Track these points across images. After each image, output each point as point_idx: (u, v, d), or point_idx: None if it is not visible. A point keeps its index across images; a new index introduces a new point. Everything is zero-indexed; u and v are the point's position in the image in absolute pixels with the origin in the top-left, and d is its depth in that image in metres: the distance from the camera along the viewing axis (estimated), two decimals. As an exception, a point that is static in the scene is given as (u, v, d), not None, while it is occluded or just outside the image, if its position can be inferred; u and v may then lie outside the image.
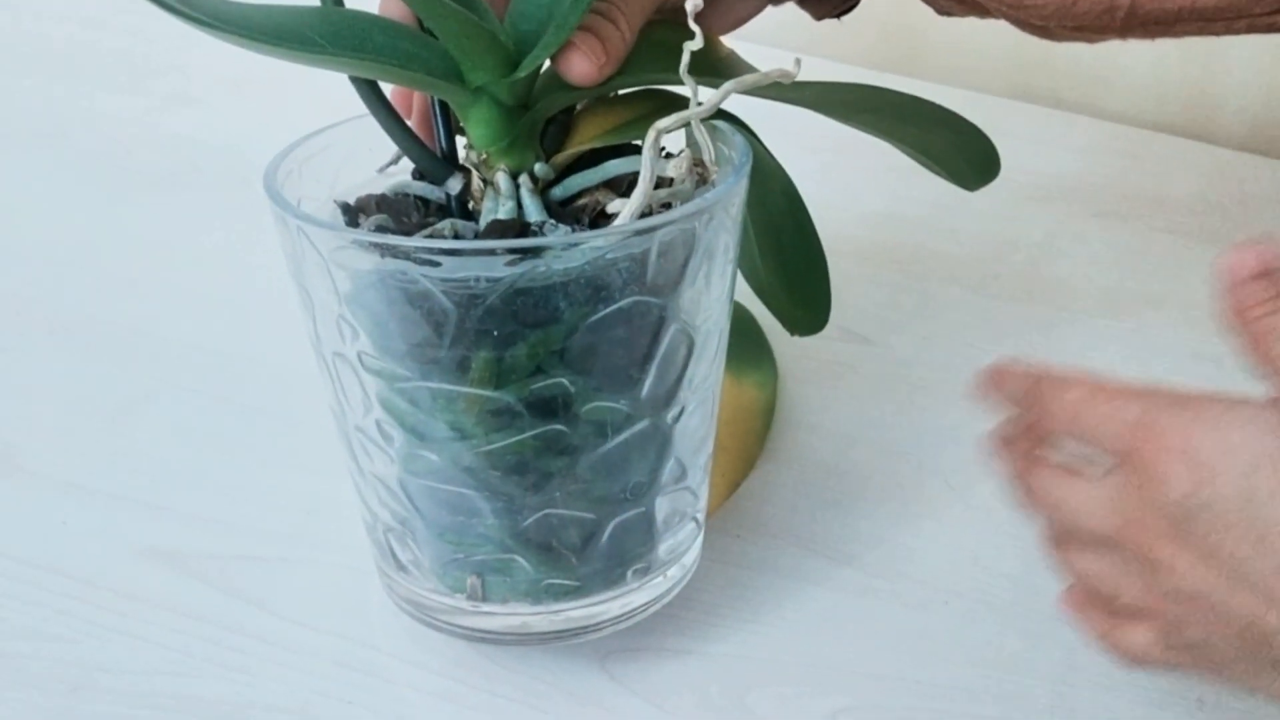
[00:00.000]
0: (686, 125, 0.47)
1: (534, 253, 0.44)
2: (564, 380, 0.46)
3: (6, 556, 0.56)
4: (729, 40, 0.55)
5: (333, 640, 0.54)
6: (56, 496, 0.59)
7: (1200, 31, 0.56)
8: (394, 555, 0.53)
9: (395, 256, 0.44)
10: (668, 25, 0.51)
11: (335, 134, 0.52)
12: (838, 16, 0.63)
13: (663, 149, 0.50)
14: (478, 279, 0.44)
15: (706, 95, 0.47)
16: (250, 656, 0.53)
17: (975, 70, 0.94)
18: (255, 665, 0.53)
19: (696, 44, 0.45)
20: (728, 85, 0.46)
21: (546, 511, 0.49)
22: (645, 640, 0.55)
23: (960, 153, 0.56)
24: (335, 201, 0.51)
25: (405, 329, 0.46)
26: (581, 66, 0.47)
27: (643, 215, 0.46)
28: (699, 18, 0.47)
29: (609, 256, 0.45)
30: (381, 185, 0.52)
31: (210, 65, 0.90)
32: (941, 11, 0.61)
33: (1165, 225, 0.79)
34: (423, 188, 0.51)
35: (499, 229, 0.46)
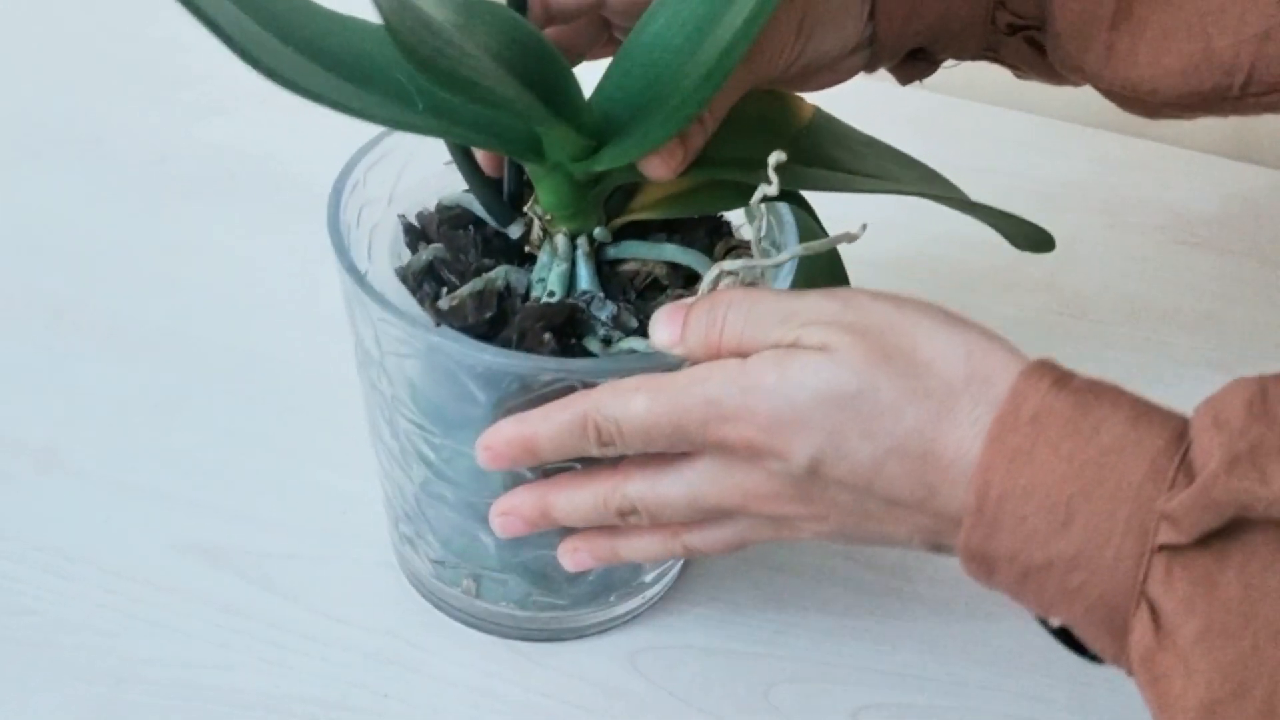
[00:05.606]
0: (752, 215, 0.46)
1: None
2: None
3: (50, 551, 0.57)
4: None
5: (368, 634, 0.55)
6: (98, 493, 0.60)
7: None
8: (402, 535, 0.55)
9: (441, 337, 0.46)
10: (750, 96, 0.50)
11: (397, 138, 0.53)
12: (920, 80, 0.61)
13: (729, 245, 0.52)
14: (516, 375, 0.45)
15: (773, 160, 0.45)
16: (288, 650, 0.54)
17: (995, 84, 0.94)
18: (293, 659, 0.54)
19: (772, 190, 0.44)
20: (795, 250, 0.46)
21: (546, 551, 0.50)
22: (674, 638, 0.56)
23: (1017, 231, 0.56)
24: (399, 217, 0.52)
25: (439, 394, 0.48)
26: (660, 171, 0.47)
27: None
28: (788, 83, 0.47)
29: (643, 362, 0.47)
30: (444, 183, 0.53)
31: (242, 75, 0.91)
32: (1020, 76, 0.59)
33: (1181, 236, 0.80)
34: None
35: (543, 315, 0.47)
